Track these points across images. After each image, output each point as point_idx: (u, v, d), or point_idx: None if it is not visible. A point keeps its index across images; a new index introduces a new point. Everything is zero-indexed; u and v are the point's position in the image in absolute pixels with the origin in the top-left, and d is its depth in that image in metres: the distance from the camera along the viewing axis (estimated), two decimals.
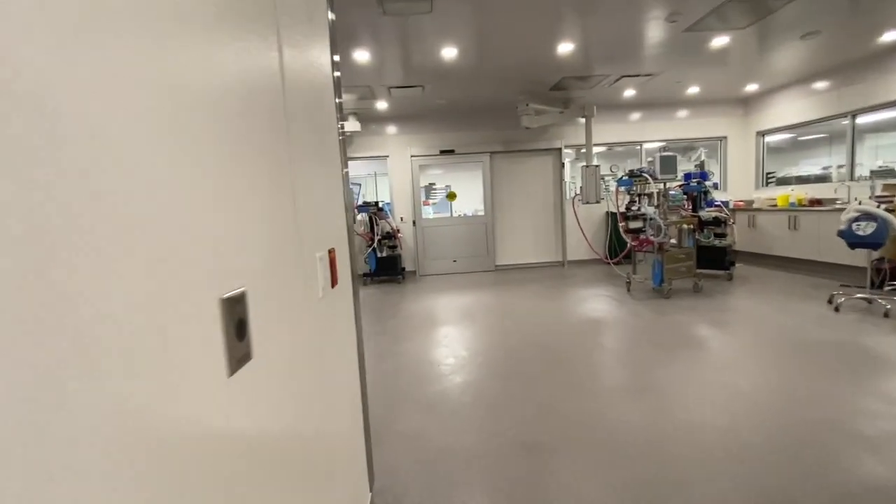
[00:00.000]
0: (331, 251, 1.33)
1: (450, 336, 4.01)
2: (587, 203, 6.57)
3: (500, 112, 7.37)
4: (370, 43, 4.31)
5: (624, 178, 5.26)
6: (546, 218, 7.92)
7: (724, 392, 2.57)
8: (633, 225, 4.89)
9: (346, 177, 1.72)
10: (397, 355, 3.57)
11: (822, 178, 6.82)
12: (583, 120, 6.92)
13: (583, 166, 6.56)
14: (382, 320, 4.70)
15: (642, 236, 4.95)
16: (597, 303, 4.93)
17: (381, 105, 6.57)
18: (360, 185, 11.20)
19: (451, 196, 7.81)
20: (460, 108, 7.05)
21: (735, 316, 4.12)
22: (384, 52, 4.58)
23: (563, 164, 7.73)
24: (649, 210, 4.89)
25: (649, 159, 5.11)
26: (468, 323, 4.42)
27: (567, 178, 7.89)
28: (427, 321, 4.58)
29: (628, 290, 5.38)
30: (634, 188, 5.16)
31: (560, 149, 7.71)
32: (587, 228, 7.40)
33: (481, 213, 7.87)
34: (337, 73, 1.77)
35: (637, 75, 5.87)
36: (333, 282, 1.33)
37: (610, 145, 8.03)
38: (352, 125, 6.87)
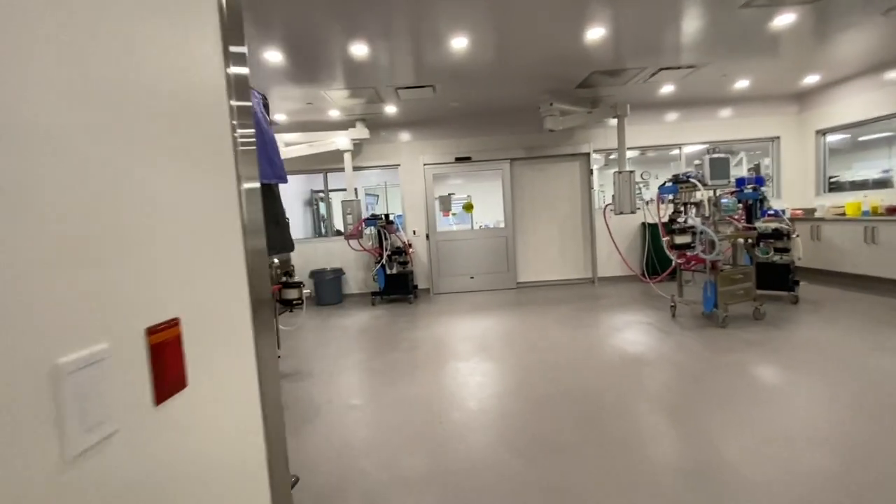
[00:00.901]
0: (166, 326, 0.71)
1: (458, 378, 3.35)
2: (620, 213, 5.81)
3: (520, 114, 6.73)
4: (370, 36, 3.76)
5: (667, 184, 4.50)
6: (573, 230, 7.18)
7: (823, 483, 1.81)
8: (680, 240, 4.13)
9: (246, 194, 1.12)
10: (388, 405, 2.93)
11: (883, 184, 5.87)
12: (613, 121, 6.20)
13: (615, 172, 5.82)
14: (382, 352, 4.09)
15: (691, 253, 4.18)
16: (637, 332, 4.17)
17: (390, 109, 6.04)
18: (376, 196, 10.76)
19: (468, 207, 7.18)
20: (476, 110, 6.45)
21: (815, 355, 3.29)
22: (388, 46, 4.02)
23: (592, 170, 7.00)
24: (698, 222, 4.12)
25: (696, 162, 4.35)
26: (482, 358, 3.75)
27: (595, 185, 7.15)
28: (434, 354, 3.93)
29: (673, 315, 4.59)
30: (679, 196, 4.40)
31: (588, 154, 6.98)
32: (620, 241, 6.62)
33: (501, 225, 7.20)
34: (238, 70, 1.19)
35: (677, 67, 5.13)
36: (173, 385, 0.71)
37: (645, 149, 7.25)
38: (359, 132, 6.37)
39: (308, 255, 7.04)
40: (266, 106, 1.78)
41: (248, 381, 1.09)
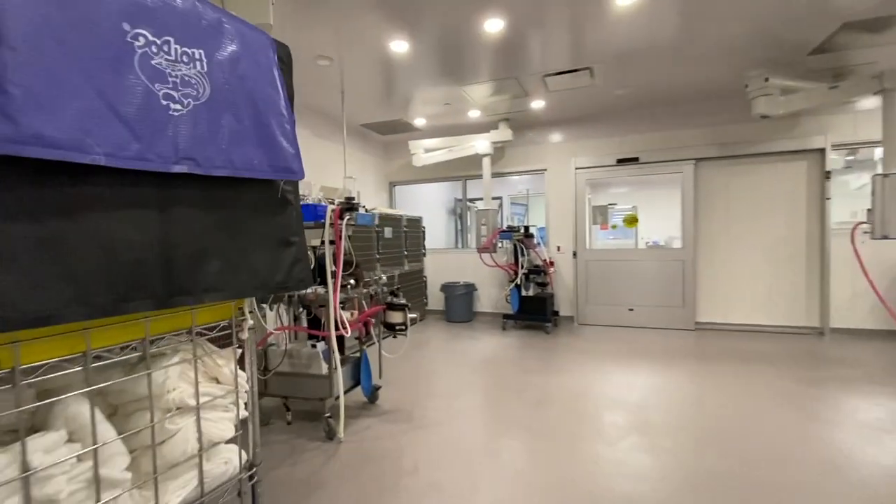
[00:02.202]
0: None
1: (598, 476, 2.26)
2: (884, 238, 3.77)
3: (712, 100, 5.10)
4: (510, 5, 2.97)
5: None
6: (791, 257, 5.13)
7: None
8: None
9: None
10: (484, 494, 2.05)
11: None
12: (869, 101, 4.14)
13: (878, 176, 3.82)
14: (500, 400, 3.20)
15: None
16: None
17: (537, 104, 5.15)
18: (524, 206, 9.90)
19: (632, 220, 5.77)
20: (649, 98, 5.08)
21: None
22: (533, 18, 3.18)
23: (828, 173, 4.89)
24: None
25: None
26: (637, 445, 2.56)
27: (830, 194, 4.99)
28: (566, 420, 2.88)
29: None
30: None
31: (822, 150, 4.90)
32: (878, 278, 4.41)
33: (678, 244, 5.59)
34: None
35: None
36: None
37: None
38: (501, 133, 5.63)
39: (440, 267, 6.60)
40: (285, 62, 1.15)
41: None
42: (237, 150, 1.01)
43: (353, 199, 2.68)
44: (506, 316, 5.54)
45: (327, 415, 2.68)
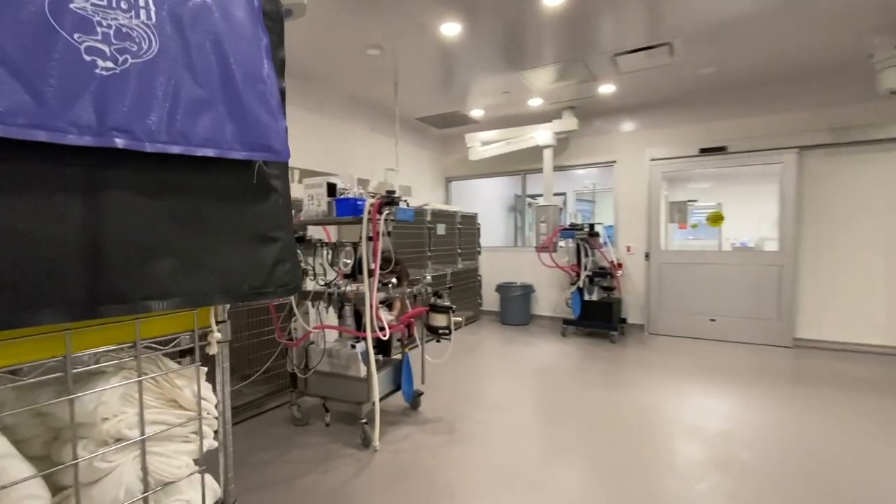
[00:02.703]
0: None
1: None
2: None
3: (823, 76, 4.31)
4: None
5: None
6: None
7: None
8: None
9: None
10: None
11: None
12: None
13: None
14: (553, 417, 2.86)
15: None
16: None
17: (606, 89, 4.67)
18: (592, 202, 9.26)
19: (716, 219, 5.08)
20: (741, 77, 4.40)
21: None
22: None
23: None
24: None
25: None
26: (717, 489, 2.12)
27: None
28: (631, 449, 2.49)
29: None
30: None
31: None
32: None
33: (772, 246, 4.84)
34: None
35: None
36: None
37: None
38: (565, 123, 5.21)
39: (496, 266, 6.29)
40: (273, 19, 0.94)
41: None
42: (194, 121, 0.81)
43: (393, 192, 2.49)
44: (566, 321, 5.12)
45: (363, 421, 2.53)
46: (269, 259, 0.95)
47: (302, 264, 2.69)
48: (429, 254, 4.94)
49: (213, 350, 0.93)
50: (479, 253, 6.19)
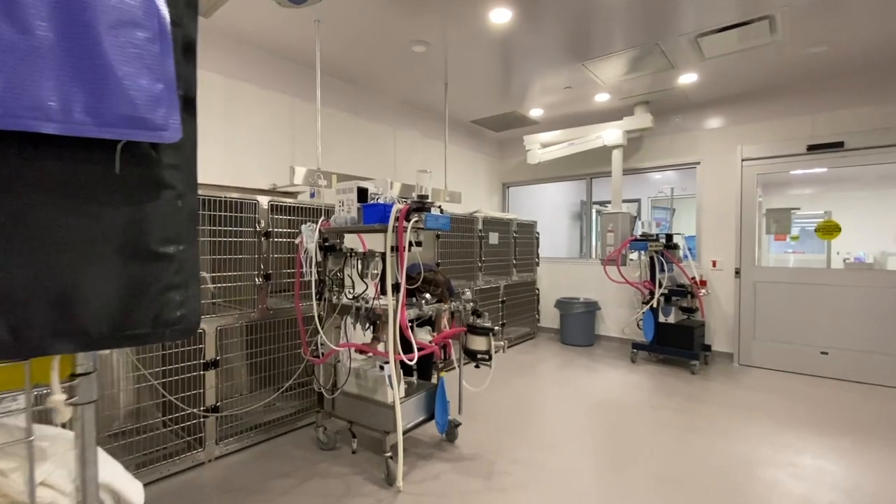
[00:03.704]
0: None
1: None
2: None
3: None
4: None
5: None
6: None
7: None
8: None
9: None
10: None
11: None
12: None
13: None
14: (609, 463, 2.37)
15: None
16: None
17: (687, 78, 4.05)
18: (672, 210, 8.35)
19: (828, 229, 4.20)
20: (862, 57, 3.58)
21: None
22: None
23: None
24: None
25: None
26: None
27: None
28: None
29: None
30: None
31: None
32: None
33: None
34: None
35: None
36: None
37: None
38: (638, 120, 4.64)
39: (558, 279, 5.78)
40: None
41: None
42: (16, 82, 0.55)
43: (425, 197, 2.20)
44: (636, 345, 4.49)
45: (388, 454, 2.24)
46: (151, 284, 0.67)
47: (338, 277, 2.49)
48: (479, 265, 4.59)
49: (60, 418, 0.67)
50: (537, 264, 5.73)
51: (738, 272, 4.48)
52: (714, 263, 4.66)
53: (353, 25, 3.10)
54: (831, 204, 4.92)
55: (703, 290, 4.43)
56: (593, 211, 6.74)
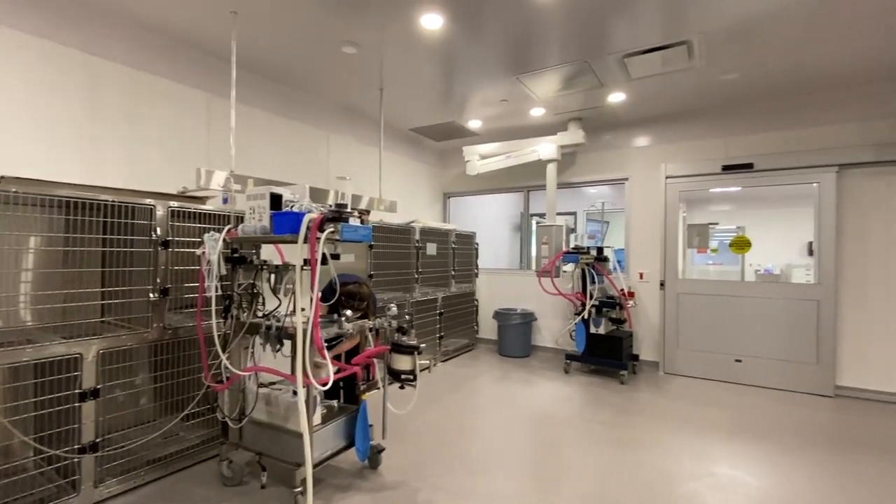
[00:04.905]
0: None
1: None
2: None
3: (866, 83, 3.78)
4: None
5: None
6: None
7: None
8: None
9: None
10: None
11: None
12: None
13: None
14: (544, 490, 2.30)
15: None
16: None
17: (615, 97, 4.19)
18: (606, 223, 8.69)
19: (741, 244, 4.50)
20: (771, 85, 3.88)
21: None
22: None
23: None
24: None
25: None
26: None
27: None
28: None
29: None
30: None
31: None
32: None
33: (802, 274, 4.23)
34: None
35: None
36: None
37: None
38: (571, 136, 4.74)
39: (496, 290, 5.77)
40: None
41: None
42: None
43: (343, 206, 2.03)
44: (569, 356, 4.54)
45: (297, 489, 2.02)
46: None
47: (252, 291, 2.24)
48: (416, 276, 4.46)
49: None
50: (476, 275, 5.69)
51: (662, 284, 4.68)
52: (641, 275, 4.84)
53: (274, 19, 2.88)
54: (746, 220, 5.29)
55: (631, 302, 4.58)
56: (532, 223, 6.84)
